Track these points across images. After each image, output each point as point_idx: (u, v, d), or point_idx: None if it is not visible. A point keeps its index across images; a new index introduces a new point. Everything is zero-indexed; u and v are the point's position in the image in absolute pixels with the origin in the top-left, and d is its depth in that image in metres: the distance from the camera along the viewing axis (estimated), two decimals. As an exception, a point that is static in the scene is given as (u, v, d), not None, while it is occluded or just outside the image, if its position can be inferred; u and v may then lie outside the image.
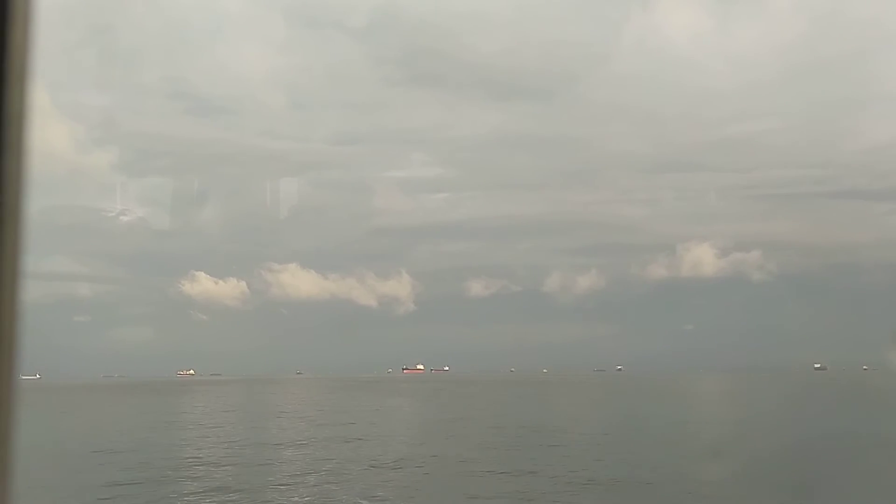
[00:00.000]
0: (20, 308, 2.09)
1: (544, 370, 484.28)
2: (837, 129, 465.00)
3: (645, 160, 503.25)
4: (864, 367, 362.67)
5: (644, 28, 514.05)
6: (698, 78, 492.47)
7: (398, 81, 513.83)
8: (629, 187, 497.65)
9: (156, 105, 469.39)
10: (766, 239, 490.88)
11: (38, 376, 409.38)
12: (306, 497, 36.07)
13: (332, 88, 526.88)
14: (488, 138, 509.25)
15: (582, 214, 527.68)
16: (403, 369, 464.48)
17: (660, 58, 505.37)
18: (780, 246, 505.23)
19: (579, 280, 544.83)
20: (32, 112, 2.12)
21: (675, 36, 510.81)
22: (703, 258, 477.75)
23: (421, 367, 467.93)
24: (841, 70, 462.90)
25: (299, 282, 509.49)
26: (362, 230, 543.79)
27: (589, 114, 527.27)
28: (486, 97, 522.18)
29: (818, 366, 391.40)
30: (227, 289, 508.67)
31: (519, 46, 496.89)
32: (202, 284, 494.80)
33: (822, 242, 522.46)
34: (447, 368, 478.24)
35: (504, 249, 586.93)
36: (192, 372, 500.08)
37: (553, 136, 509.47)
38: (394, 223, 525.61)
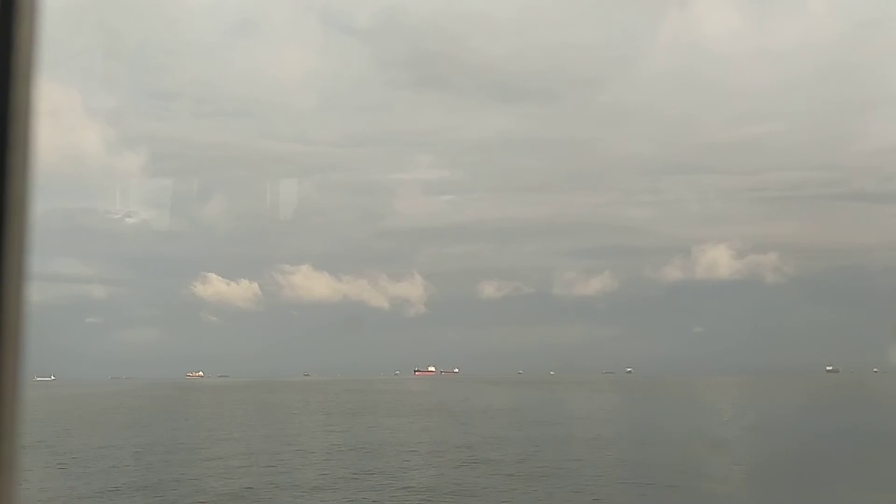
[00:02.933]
0: (25, 307, 2.08)
1: (551, 372, 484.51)
2: (845, 130, 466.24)
3: (651, 162, 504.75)
4: (875, 369, 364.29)
5: (651, 30, 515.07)
6: (713, 80, 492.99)
7: (404, 84, 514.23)
8: (635, 189, 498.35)
9: (161, 107, 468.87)
10: (772, 241, 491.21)
11: (52, 378, 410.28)
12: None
13: (340, 91, 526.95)
14: (494, 140, 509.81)
15: (588, 216, 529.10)
16: (415, 371, 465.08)
17: (664, 60, 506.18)
18: (787, 248, 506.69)
19: (587, 282, 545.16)
20: (37, 110, 2.11)
21: (687, 37, 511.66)
22: (718, 260, 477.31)
23: (432, 368, 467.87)
24: (854, 72, 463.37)
25: (312, 283, 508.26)
26: (369, 232, 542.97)
27: (596, 116, 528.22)
28: (493, 99, 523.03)
29: (830, 368, 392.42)
30: (239, 290, 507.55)
31: (526, 49, 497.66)
32: (214, 286, 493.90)
33: (829, 245, 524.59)
34: (457, 370, 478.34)
35: (510, 251, 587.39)
36: (201, 374, 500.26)
37: (559, 139, 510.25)
38: (399, 225, 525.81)
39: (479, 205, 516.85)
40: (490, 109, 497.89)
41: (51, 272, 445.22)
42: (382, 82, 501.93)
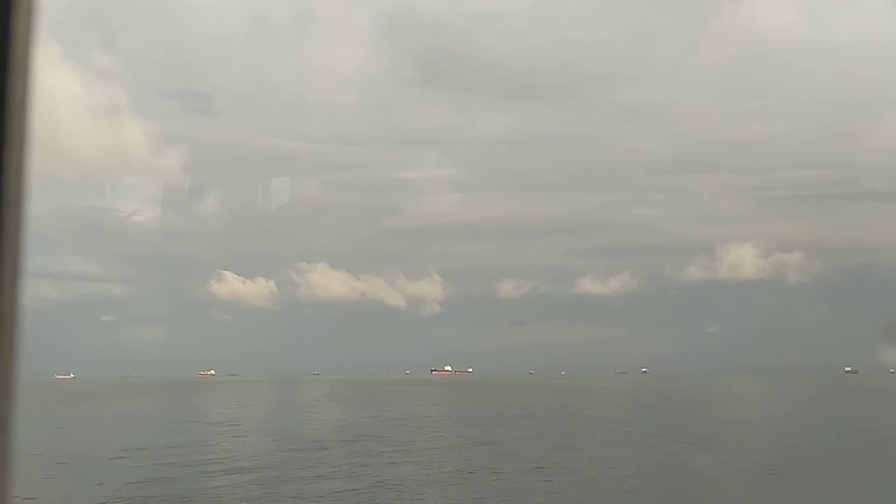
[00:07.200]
0: (20, 305, 2.07)
1: (562, 372, 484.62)
2: (856, 129, 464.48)
3: (661, 160, 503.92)
4: (892, 370, 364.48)
5: (662, 28, 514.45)
6: (725, 76, 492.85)
7: (412, 81, 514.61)
8: (645, 187, 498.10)
9: (168, 105, 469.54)
10: (780, 240, 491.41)
11: (72, 375, 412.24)
12: None
13: (346, 89, 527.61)
14: (503, 138, 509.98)
15: (597, 215, 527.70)
16: (432, 371, 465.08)
17: (674, 58, 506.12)
18: (798, 247, 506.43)
19: (601, 282, 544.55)
20: (34, 107, 2.11)
21: (698, 33, 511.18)
22: (743, 259, 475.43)
23: (448, 368, 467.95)
24: (864, 70, 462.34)
25: (329, 281, 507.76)
26: (376, 231, 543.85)
27: (606, 114, 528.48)
28: (502, 97, 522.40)
29: (849, 369, 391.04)
30: (255, 289, 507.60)
31: (536, 46, 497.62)
32: (230, 284, 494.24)
33: (839, 244, 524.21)
34: (471, 370, 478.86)
35: (519, 250, 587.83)
36: (212, 372, 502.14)
37: (568, 136, 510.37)
38: (407, 224, 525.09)
39: (487, 203, 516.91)
40: (499, 107, 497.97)
41: (69, 270, 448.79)
42: (390, 80, 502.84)
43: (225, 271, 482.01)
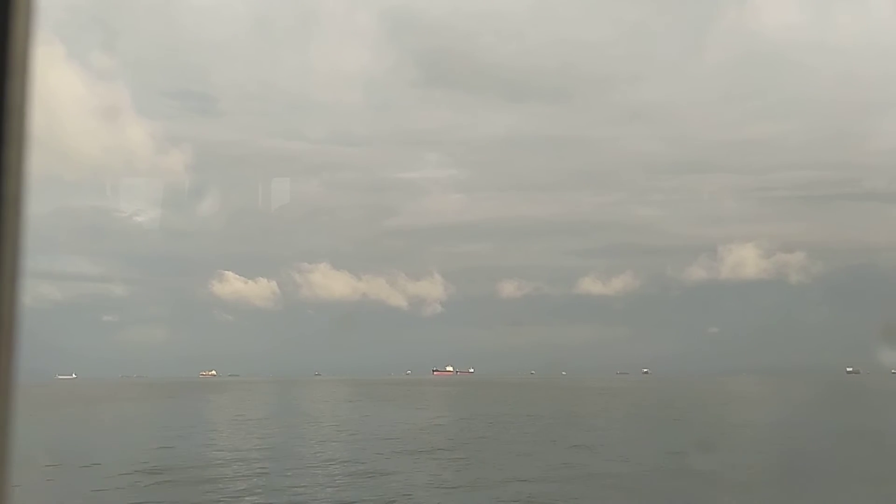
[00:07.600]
0: (19, 305, 2.06)
1: (563, 373, 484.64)
2: (857, 129, 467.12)
3: (661, 160, 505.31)
4: (893, 370, 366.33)
5: (664, 27, 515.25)
6: (723, 76, 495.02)
7: (413, 82, 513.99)
8: (645, 188, 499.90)
9: (166, 105, 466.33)
10: (782, 241, 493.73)
11: (74, 376, 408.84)
12: None
13: (349, 90, 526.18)
14: (503, 139, 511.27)
15: (598, 215, 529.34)
16: (434, 371, 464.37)
17: (675, 58, 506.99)
18: (800, 247, 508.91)
19: (602, 282, 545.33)
20: (35, 105, 2.10)
21: (699, 34, 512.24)
22: (745, 260, 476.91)
23: (450, 368, 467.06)
24: (866, 71, 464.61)
25: (331, 281, 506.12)
26: (377, 231, 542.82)
27: (606, 115, 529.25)
28: (502, 98, 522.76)
29: (850, 369, 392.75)
30: (257, 289, 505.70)
31: (537, 47, 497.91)
32: (232, 284, 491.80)
33: (840, 244, 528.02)
34: (472, 370, 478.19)
35: (519, 250, 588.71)
36: (213, 372, 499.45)
37: (568, 137, 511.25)
38: (407, 224, 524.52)
39: (488, 203, 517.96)
40: (500, 107, 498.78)
41: (70, 271, 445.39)
42: (393, 81, 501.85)
43: (226, 271, 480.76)
